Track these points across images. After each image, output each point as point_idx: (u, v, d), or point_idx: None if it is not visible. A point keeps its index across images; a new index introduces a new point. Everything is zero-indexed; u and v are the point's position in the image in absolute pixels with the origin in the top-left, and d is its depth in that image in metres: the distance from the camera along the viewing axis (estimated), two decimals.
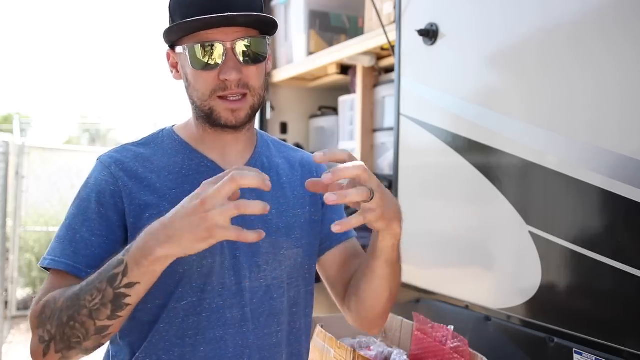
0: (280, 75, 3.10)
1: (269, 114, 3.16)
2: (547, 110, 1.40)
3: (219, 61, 0.99)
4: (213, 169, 1.06)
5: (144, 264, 0.85)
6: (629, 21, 1.23)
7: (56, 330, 0.91)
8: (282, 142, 1.25)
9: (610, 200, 1.22)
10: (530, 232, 1.42)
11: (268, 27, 1.06)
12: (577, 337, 1.31)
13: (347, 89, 2.85)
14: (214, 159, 1.08)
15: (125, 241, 1.00)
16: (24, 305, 5.75)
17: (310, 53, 2.83)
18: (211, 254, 1.01)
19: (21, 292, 5.87)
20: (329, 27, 2.92)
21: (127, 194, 1.01)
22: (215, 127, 1.05)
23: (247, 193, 0.96)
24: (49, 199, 5.99)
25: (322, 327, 1.24)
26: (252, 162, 1.11)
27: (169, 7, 1.04)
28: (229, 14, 0.97)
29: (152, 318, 1.01)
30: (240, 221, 0.88)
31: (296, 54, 2.96)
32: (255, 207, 0.83)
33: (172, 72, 1.11)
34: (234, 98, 1.01)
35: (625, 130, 1.22)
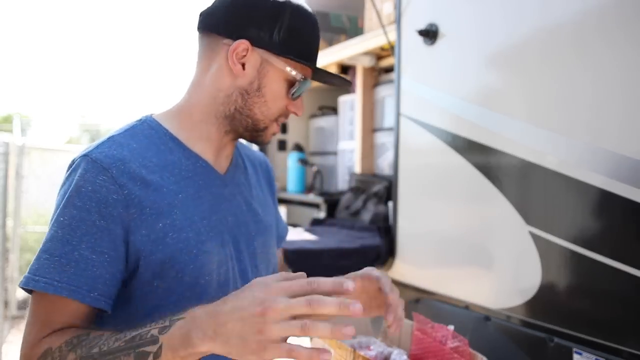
0: None
1: None
2: (547, 111, 1.40)
3: (299, 97, 1.06)
4: (208, 170, 1.02)
5: (180, 353, 0.74)
6: (629, 21, 1.23)
7: None
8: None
9: (610, 200, 1.23)
10: (530, 232, 1.42)
11: None
12: (577, 337, 1.31)
13: (347, 89, 2.85)
14: (207, 159, 1.03)
15: (127, 258, 0.90)
16: (24, 305, 5.75)
17: None
18: (225, 260, 0.99)
19: (21, 292, 5.88)
20: (329, 27, 2.92)
21: (134, 203, 0.90)
22: (248, 138, 1.06)
23: (206, 196, 1.00)
24: (49, 199, 5.99)
25: None
26: (234, 164, 1.11)
27: (284, 17, 0.98)
28: (339, 76, 1.09)
29: None
30: (215, 224, 0.98)
31: None
32: (331, 308, 0.70)
33: (234, 63, 0.99)
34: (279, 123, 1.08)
35: (625, 130, 1.22)
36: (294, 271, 1.27)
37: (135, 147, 0.95)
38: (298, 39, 1.00)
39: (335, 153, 2.97)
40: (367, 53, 2.45)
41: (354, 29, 2.91)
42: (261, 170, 1.23)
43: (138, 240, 0.90)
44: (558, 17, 1.38)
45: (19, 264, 5.60)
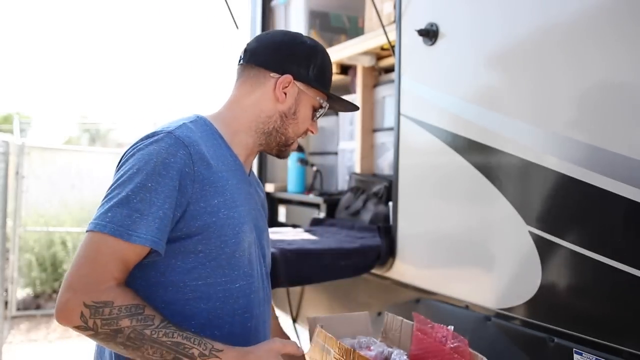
0: None
1: None
2: (546, 110, 1.40)
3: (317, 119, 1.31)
4: (242, 169, 1.24)
5: None
6: (627, 22, 1.23)
7: (104, 335, 1.00)
8: None
9: (610, 200, 1.23)
10: (530, 232, 1.42)
11: None
12: (577, 337, 1.31)
13: (347, 89, 2.85)
14: (240, 159, 1.24)
15: (182, 221, 1.09)
16: (24, 305, 5.75)
17: None
18: (252, 243, 1.21)
19: (21, 292, 5.88)
20: (329, 27, 2.92)
21: (199, 179, 1.10)
22: (274, 151, 1.29)
23: (242, 189, 1.21)
24: (49, 199, 6.00)
25: (322, 327, 1.24)
26: (251, 170, 1.33)
27: (317, 58, 1.26)
28: (351, 103, 1.35)
29: (206, 298, 1.13)
30: (247, 212, 1.19)
31: None
32: None
33: (281, 94, 1.24)
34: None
35: (625, 130, 1.22)
36: (295, 272, 1.41)
37: (200, 136, 1.16)
38: (325, 74, 1.28)
39: (335, 153, 2.97)
40: (367, 53, 2.44)
41: (354, 29, 2.91)
42: (255, 180, 1.42)
43: (196, 210, 1.09)
44: (556, 17, 1.38)
45: (18, 264, 5.60)
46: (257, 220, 1.26)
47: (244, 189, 1.22)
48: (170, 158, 1.08)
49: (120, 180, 1.07)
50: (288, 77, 1.23)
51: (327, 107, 1.30)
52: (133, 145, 1.13)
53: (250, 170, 1.30)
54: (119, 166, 1.12)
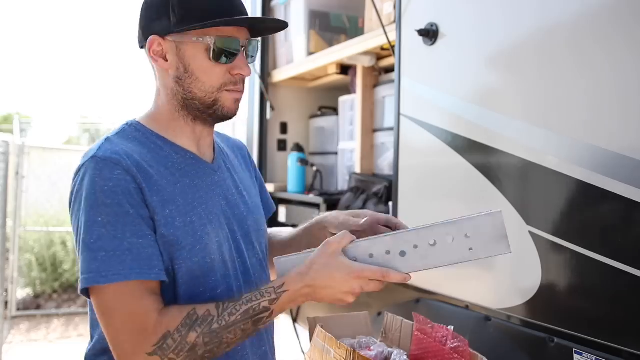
0: (280, 75, 3.10)
1: (269, 114, 3.16)
2: (547, 110, 1.40)
3: (234, 57, 1.06)
4: (197, 161, 1.12)
5: (288, 308, 1.02)
6: (628, 21, 1.23)
7: (187, 358, 0.95)
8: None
9: (610, 200, 1.22)
10: (530, 232, 1.42)
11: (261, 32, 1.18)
12: (577, 337, 1.31)
13: (347, 89, 2.85)
14: (193, 151, 1.13)
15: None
16: (23, 305, 5.75)
17: (310, 53, 2.83)
18: (224, 240, 1.10)
19: (21, 292, 5.88)
20: (329, 27, 2.92)
21: (146, 191, 1.00)
22: (208, 119, 1.10)
23: (201, 184, 1.10)
24: (49, 199, 6.00)
25: (322, 327, 1.24)
26: (217, 152, 1.20)
27: None
28: (268, 18, 1.13)
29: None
30: (211, 209, 1.08)
31: (296, 54, 2.96)
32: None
33: (155, 60, 1.08)
34: (237, 89, 1.10)
35: (625, 130, 1.22)
36: None
37: (130, 146, 1.05)
38: (191, 7, 1.03)
39: (335, 153, 2.97)
40: (367, 53, 2.44)
41: (354, 29, 2.90)
42: (240, 153, 1.32)
43: (156, 224, 1.00)
44: (557, 17, 1.38)
45: (18, 264, 5.60)
46: (229, 211, 1.14)
47: (205, 182, 1.11)
48: (107, 183, 0.97)
49: (78, 234, 0.98)
50: (153, 40, 1.06)
51: (226, 40, 1.04)
52: (70, 191, 1.03)
53: (215, 153, 1.18)
54: (70, 215, 1.03)
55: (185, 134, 1.12)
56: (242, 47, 1.07)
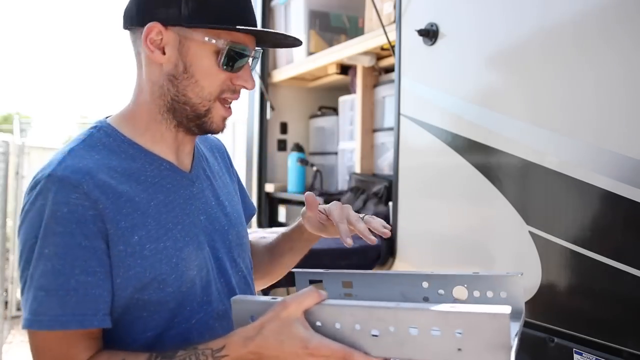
0: (280, 75, 3.10)
1: (269, 114, 3.16)
2: (547, 110, 1.40)
3: (241, 67, 0.96)
4: (173, 171, 0.98)
5: None
6: (631, 21, 1.23)
7: None
8: None
9: (610, 200, 1.22)
10: (530, 232, 1.42)
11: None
12: (577, 337, 1.31)
13: (347, 89, 2.85)
14: (170, 160, 0.99)
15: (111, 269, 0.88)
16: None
17: (310, 53, 2.84)
18: (205, 262, 0.97)
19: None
20: (329, 27, 2.92)
21: (110, 217, 0.86)
22: (193, 129, 0.98)
23: (177, 199, 0.97)
24: None
25: None
26: (197, 159, 1.07)
27: None
28: (289, 35, 1.00)
29: (160, 345, 0.91)
30: (189, 228, 0.96)
31: (296, 54, 2.96)
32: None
33: (150, 50, 0.93)
34: (229, 105, 0.99)
35: (625, 130, 1.22)
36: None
37: (97, 158, 0.91)
38: (209, 4, 0.91)
39: (335, 153, 2.97)
40: (367, 53, 2.44)
41: (354, 29, 2.91)
42: (219, 154, 1.18)
43: (116, 255, 0.87)
44: (558, 16, 1.38)
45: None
46: (209, 226, 1.01)
47: (181, 197, 0.98)
48: (61, 209, 0.83)
49: (21, 261, 0.87)
50: (154, 27, 0.91)
51: (239, 47, 0.94)
52: (22, 207, 0.90)
53: (193, 160, 1.04)
54: (17, 233, 0.89)
55: (164, 139, 0.98)
56: (251, 57, 0.98)
